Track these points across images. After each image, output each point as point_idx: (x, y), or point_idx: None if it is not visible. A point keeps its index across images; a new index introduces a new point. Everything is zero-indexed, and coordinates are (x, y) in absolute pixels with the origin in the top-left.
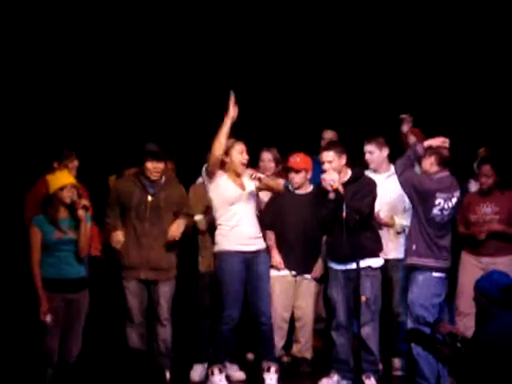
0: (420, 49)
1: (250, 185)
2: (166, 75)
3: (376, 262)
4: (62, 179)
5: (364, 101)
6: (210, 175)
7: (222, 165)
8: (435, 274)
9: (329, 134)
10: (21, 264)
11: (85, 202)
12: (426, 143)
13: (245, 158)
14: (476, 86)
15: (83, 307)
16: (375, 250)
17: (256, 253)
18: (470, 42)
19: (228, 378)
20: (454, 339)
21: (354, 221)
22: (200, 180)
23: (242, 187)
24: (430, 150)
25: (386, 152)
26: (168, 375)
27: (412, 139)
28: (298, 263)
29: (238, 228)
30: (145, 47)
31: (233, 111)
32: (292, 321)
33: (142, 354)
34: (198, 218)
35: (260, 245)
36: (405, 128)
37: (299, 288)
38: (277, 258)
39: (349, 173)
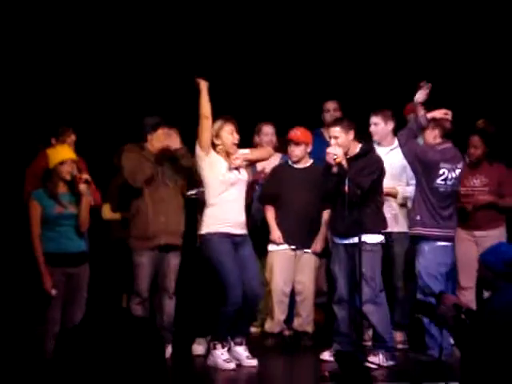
0: (422, 21)
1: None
2: (163, 52)
3: (372, 239)
4: (62, 154)
5: (365, 74)
6: (203, 143)
7: (214, 147)
8: (440, 243)
9: (331, 105)
10: (21, 239)
11: (86, 176)
12: (430, 115)
13: (235, 137)
14: (479, 57)
15: (84, 281)
16: (374, 227)
17: (243, 236)
18: (473, 15)
19: (229, 351)
20: (459, 311)
21: (355, 196)
22: None
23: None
24: (434, 123)
25: (391, 125)
26: (170, 349)
27: (421, 112)
28: (298, 237)
29: (231, 210)
30: (141, 31)
31: (203, 85)
32: (293, 295)
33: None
34: (199, 190)
35: (245, 230)
36: (419, 97)
37: (299, 262)
38: (276, 232)
39: (358, 147)
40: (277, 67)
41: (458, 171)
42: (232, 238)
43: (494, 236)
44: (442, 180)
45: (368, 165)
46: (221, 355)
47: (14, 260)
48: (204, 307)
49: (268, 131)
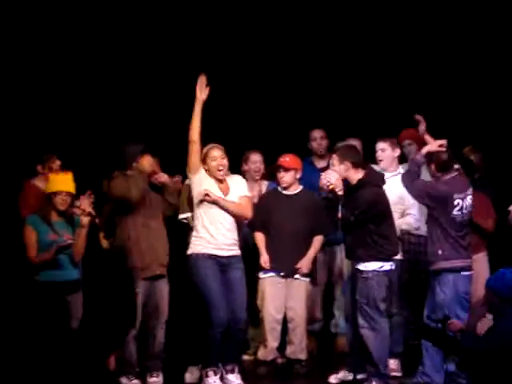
0: (409, 49)
1: (236, 192)
2: (148, 76)
3: (367, 266)
4: (59, 184)
5: (353, 103)
6: (191, 166)
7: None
8: (463, 273)
9: (318, 133)
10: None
11: (90, 209)
12: (424, 150)
13: (220, 163)
14: (465, 84)
15: (76, 310)
16: (367, 256)
17: (230, 258)
18: (463, 40)
19: (222, 379)
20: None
21: (348, 222)
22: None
23: (226, 192)
24: (430, 157)
25: (397, 152)
26: (161, 378)
27: (429, 140)
28: (288, 264)
29: (216, 232)
30: (128, 52)
31: (201, 94)
32: (285, 322)
33: None
34: (188, 215)
35: (235, 251)
36: (421, 128)
37: (290, 289)
38: (264, 256)
39: (358, 177)
40: (265, 96)
41: (469, 197)
42: (218, 260)
43: (477, 260)
44: (458, 210)
45: (361, 197)
46: (213, 383)
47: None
48: (195, 335)
49: (256, 159)
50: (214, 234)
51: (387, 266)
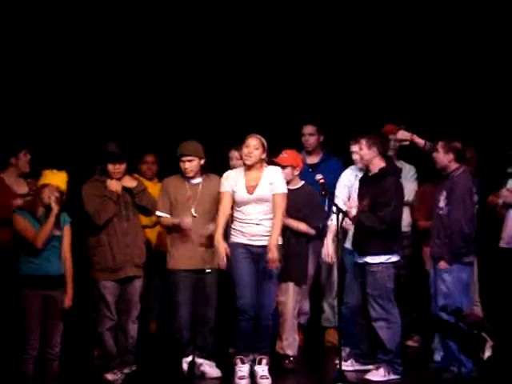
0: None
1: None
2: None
3: (372, 259)
4: (51, 178)
5: (345, 97)
6: None
7: None
8: None
9: (306, 129)
10: None
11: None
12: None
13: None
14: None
15: (61, 304)
16: (378, 248)
17: (264, 248)
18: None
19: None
20: (481, 329)
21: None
22: None
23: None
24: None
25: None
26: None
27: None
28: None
29: (246, 224)
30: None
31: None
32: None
33: None
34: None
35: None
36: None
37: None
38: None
39: (379, 166)
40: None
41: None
42: (250, 249)
43: None
44: None
45: (385, 186)
46: (238, 371)
47: None
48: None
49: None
50: (247, 226)
51: (394, 257)
